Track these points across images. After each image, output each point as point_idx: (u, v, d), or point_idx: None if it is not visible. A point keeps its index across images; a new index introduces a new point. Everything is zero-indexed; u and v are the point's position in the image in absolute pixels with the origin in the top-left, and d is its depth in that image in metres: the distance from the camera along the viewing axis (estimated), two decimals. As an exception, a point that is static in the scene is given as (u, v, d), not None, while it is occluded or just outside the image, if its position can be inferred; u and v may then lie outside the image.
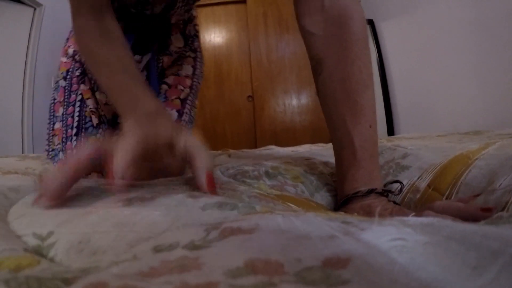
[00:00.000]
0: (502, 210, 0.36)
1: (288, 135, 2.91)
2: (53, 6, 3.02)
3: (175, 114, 0.75)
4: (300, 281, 0.14)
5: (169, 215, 0.25)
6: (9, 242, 0.23)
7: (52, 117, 0.79)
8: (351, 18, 0.47)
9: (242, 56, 3.08)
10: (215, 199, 0.29)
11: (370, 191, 0.45)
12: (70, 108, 0.75)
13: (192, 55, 0.85)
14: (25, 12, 2.91)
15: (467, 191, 0.46)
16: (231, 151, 1.08)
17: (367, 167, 0.47)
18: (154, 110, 0.42)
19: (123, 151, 0.32)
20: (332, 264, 0.15)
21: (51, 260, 0.22)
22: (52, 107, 0.79)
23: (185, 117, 0.77)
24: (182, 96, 0.78)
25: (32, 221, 0.27)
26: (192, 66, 0.85)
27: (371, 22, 3.11)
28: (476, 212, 0.36)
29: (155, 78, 0.77)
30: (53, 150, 0.78)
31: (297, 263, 0.15)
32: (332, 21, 0.48)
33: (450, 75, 2.23)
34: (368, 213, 0.43)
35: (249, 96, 2.98)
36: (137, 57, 0.76)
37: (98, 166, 0.32)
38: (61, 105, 0.76)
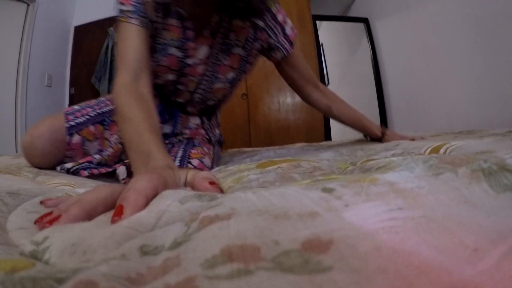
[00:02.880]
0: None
1: (282, 133, 2.89)
2: (47, 2, 2.99)
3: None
4: (277, 268, 0.13)
5: (152, 210, 0.25)
6: (5, 248, 0.24)
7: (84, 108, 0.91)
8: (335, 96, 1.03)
9: (237, 54, 3.05)
10: (193, 192, 0.30)
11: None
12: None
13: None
14: (18, 8, 2.88)
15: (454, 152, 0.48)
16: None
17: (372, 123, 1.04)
18: (162, 166, 0.44)
19: (134, 191, 0.32)
20: (313, 247, 0.13)
21: (46, 262, 0.22)
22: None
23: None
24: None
25: (32, 232, 0.28)
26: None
27: (365, 21, 3.10)
28: None
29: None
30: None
31: (274, 246, 0.14)
32: (326, 94, 1.01)
33: (445, 75, 2.23)
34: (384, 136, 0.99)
35: (243, 94, 2.96)
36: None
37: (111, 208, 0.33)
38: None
